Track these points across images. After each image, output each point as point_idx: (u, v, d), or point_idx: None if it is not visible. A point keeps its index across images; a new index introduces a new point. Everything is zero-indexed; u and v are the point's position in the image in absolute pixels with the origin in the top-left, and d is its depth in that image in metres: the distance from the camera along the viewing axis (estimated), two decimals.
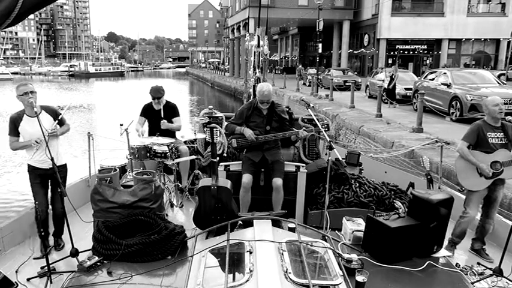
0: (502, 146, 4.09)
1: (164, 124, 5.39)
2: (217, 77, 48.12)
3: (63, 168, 4.19)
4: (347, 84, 21.62)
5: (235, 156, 5.25)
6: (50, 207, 4.18)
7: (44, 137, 3.63)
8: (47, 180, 4.12)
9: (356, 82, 20.73)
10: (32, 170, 4.06)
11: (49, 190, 4.17)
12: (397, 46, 33.96)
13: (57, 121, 4.03)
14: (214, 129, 3.87)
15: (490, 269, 3.58)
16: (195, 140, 6.04)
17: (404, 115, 13.63)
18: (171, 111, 5.59)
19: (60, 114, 4.10)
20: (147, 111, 5.61)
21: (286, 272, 2.61)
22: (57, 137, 4.07)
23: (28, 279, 3.43)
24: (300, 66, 34.82)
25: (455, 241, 4.22)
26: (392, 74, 16.03)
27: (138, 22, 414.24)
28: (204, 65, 78.71)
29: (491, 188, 4.14)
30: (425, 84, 14.73)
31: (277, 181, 4.42)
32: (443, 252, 3.69)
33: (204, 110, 6.08)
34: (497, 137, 4.08)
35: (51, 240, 4.18)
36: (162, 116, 5.47)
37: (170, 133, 5.50)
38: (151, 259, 3.48)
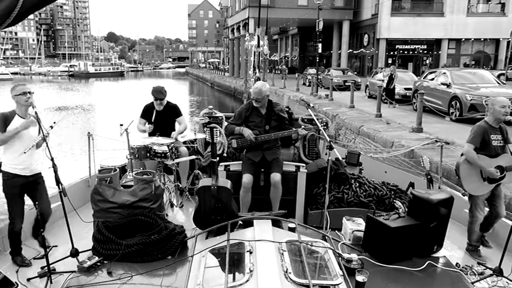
0: (501, 148, 4.05)
1: (176, 135, 5.39)
2: (217, 77, 48.11)
3: (41, 175, 3.93)
4: (347, 84, 21.62)
5: (235, 156, 5.25)
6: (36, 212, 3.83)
7: (44, 136, 3.61)
8: (24, 191, 3.82)
9: (356, 82, 20.71)
10: (10, 178, 3.70)
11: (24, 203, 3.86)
12: (396, 46, 33.99)
13: (41, 134, 3.68)
14: (214, 129, 3.87)
15: (490, 268, 3.58)
16: (195, 140, 6.03)
17: (404, 115, 13.63)
18: (173, 111, 5.59)
19: (52, 127, 3.76)
20: (148, 112, 5.60)
21: (286, 272, 2.60)
22: (40, 145, 3.79)
23: (28, 279, 3.43)
24: (284, 67, 36.79)
25: (477, 245, 4.19)
26: (392, 74, 16.05)
27: (138, 22, 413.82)
28: (203, 65, 78.69)
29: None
30: (425, 84, 14.73)
31: (276, 176, 4.40)
32: (443, 252, 3.69)
33: (204, 110, 6.08)
34: (497, 139, 4.04)
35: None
36: (163, 116, 5.46)
37: (170, 133, 5.50)
38: (151, 259, 3.49)
